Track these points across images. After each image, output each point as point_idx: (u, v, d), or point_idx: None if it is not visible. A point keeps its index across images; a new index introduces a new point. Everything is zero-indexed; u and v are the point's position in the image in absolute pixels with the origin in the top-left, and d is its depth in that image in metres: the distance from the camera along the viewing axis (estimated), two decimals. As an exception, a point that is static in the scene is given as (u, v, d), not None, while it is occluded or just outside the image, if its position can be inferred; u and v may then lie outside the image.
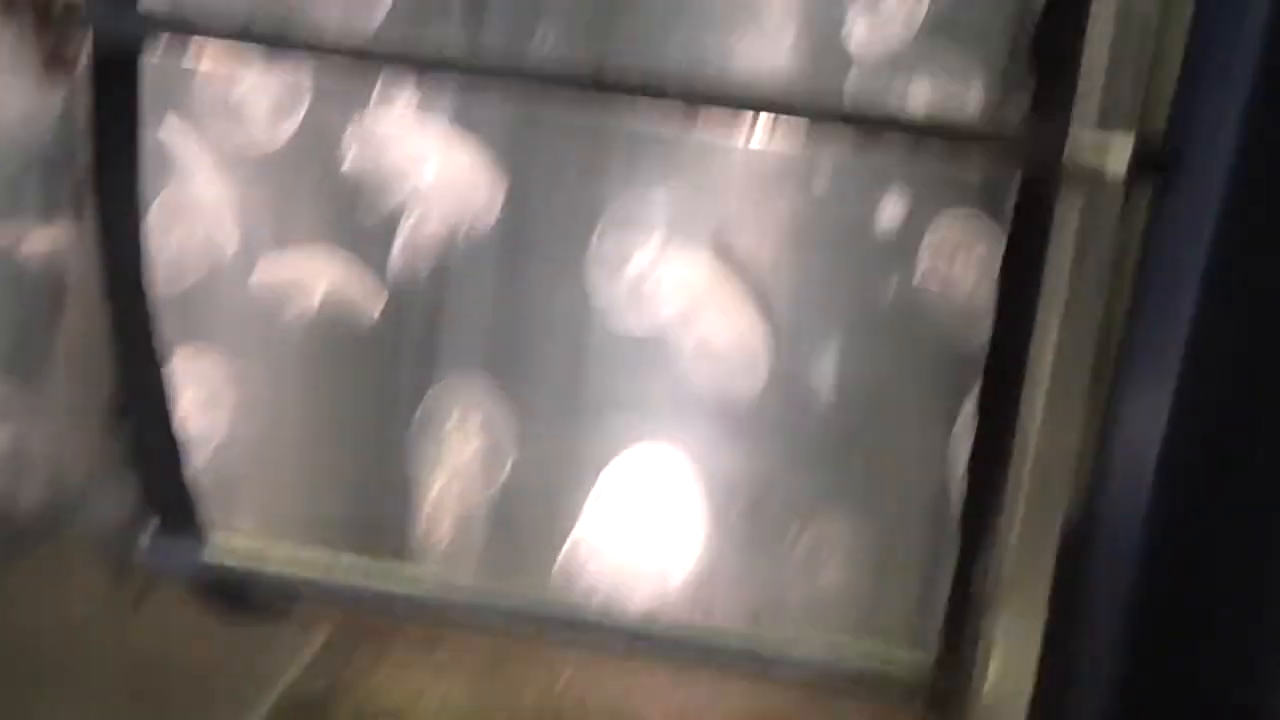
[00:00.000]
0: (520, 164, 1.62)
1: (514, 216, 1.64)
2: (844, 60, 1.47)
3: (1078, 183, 0.99)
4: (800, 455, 1.61)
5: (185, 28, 1.18)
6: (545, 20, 1.54)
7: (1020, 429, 1.14)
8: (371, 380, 1.73)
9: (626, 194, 1.59)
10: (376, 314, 1.68)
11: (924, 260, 1.51)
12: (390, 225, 1.66)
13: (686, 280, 1.59)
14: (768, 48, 1.51)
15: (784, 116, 1.11)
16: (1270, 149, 1.11)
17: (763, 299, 1.58)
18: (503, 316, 1.68)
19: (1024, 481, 1.14)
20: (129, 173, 1.28)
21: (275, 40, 1.16)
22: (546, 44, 1.52)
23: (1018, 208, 1.12)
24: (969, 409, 1.49)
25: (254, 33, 1.16)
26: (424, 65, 1.17)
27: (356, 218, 1.65)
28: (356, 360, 1.72)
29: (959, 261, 1.49)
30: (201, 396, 1.70)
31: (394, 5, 1.54)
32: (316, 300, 1.67)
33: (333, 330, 1.69)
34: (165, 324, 1.36)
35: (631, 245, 1.60)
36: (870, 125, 1.08)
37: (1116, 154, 0.98)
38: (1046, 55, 1.07)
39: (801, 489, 1.62)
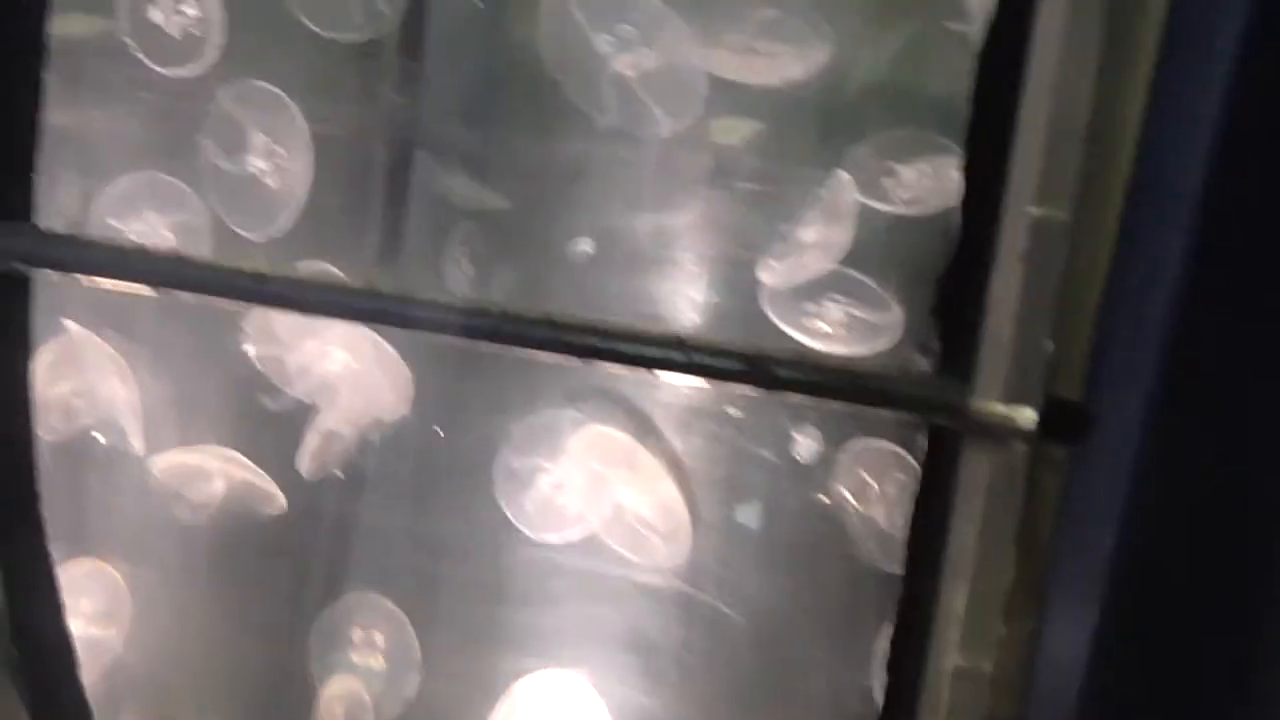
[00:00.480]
0: (428, 367, 1.60)
1: (422, 422, 1.62)
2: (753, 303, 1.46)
3: (982, 439, 0.98)
4: (715, 685, 1.58)
5: (71, 265, 1.15)
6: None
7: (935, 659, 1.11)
8: (273, 590, 1.69)
9: (537, 408, 1.57)
10: (278, 520, 1.65)
11: (840, 487, 1.49)
12: (295, 425, 1.62)
13: (596, 502, 1.56)
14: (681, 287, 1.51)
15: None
16: (1180, 412, 1.12)
17: (675, 524, 1.56)
18: (409, 529, 1.66)
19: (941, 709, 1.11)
20: (17, 391, 1.24)
21: (169, 280, 1.13)
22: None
23: (926, 456, 1.11)
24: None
25: (145, 273, 1.13)
26: (324, 302, 1.14)
27: (259, 417, 1.62)
28: (257, 570, 1.69)
29: (875, 488, 1.48)
30: (97, 605, 1.65)
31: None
32: (216, 502, 1.64)
33: (232, 536, 1.66)
34: (58, 529, 1.31)
35: (541, 461, 1.57)
36: (774, 379, 1.06)
37: (1021, 413, 0.96)
38: (949, 311, 1.06)
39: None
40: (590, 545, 1.58)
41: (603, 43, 1.45)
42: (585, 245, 1.54)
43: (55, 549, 1.30)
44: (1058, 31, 1.00)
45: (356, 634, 1.64)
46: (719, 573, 1.56)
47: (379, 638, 1.64)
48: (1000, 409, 0.96)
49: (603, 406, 1.54)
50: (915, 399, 1.05)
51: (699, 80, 1.44)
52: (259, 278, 1.13)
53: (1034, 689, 1.15)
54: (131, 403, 1.63)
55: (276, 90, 1.50)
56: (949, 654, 1.05)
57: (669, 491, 1.55)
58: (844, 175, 1.42)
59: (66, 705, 1.35)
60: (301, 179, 1.54)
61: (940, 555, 1.12)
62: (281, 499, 1.62)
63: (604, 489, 1.58)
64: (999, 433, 0.97)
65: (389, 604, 1.64)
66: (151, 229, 1.55)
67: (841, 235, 1.44)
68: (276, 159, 1.53)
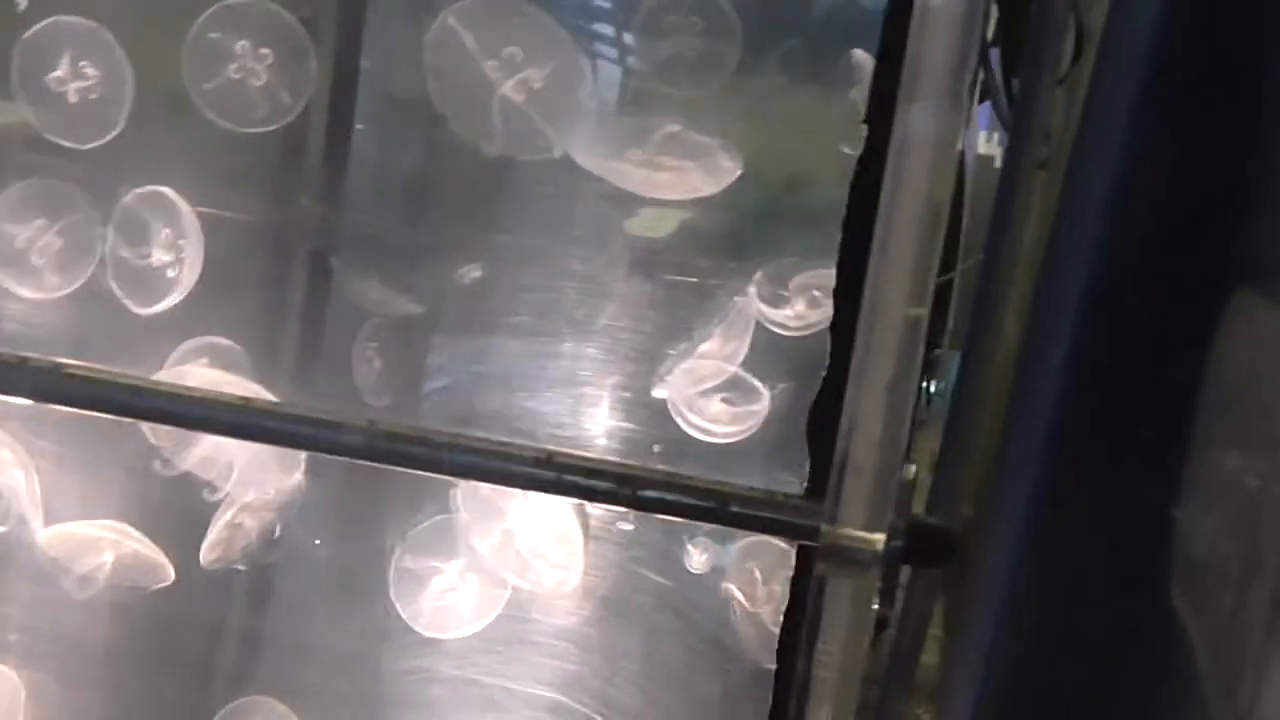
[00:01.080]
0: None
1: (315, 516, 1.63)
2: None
3: (840, 562, 1.00)
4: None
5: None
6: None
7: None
8: (171, 693, 1.68)
9: (429, 511, 1.58)
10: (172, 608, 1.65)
11: (730, 584, 1.50)
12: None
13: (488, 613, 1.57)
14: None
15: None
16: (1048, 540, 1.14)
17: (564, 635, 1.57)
18: (305, 633, 1.66)
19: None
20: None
21: (48, 394, 1.14)
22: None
23: (793, 574, 1.13)
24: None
25: (22, 386, 1.14)
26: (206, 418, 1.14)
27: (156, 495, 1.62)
28: (152, 670, 1.68)
29: (763, 588, 1.49)
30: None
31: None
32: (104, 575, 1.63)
33: (126, 624, 1.65)
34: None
35: (435, 563, 1.58)
36: (642, 500, 1.08)
37: (874, 538, 0.99)
38: (817, 435, 1.08)
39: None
40: (477, 648, 1.58)
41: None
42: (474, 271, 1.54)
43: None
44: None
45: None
46: (601, 684, 1.57)
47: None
48: (855, 534, 0.98)
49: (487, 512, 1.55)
50: (778, 523, 1.07)
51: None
52: (137, 391, 1.14)
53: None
54: (32, 490, 1.62)
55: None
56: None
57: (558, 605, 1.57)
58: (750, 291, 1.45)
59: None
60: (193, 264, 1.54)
61: (807, 671, 1.13)
62: (169, 570, 1.61)
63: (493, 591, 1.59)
64: (854, 556, 0.99)
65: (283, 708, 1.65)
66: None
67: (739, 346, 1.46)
68: (175, 250, 1.53)
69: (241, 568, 1.64)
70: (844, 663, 1.02)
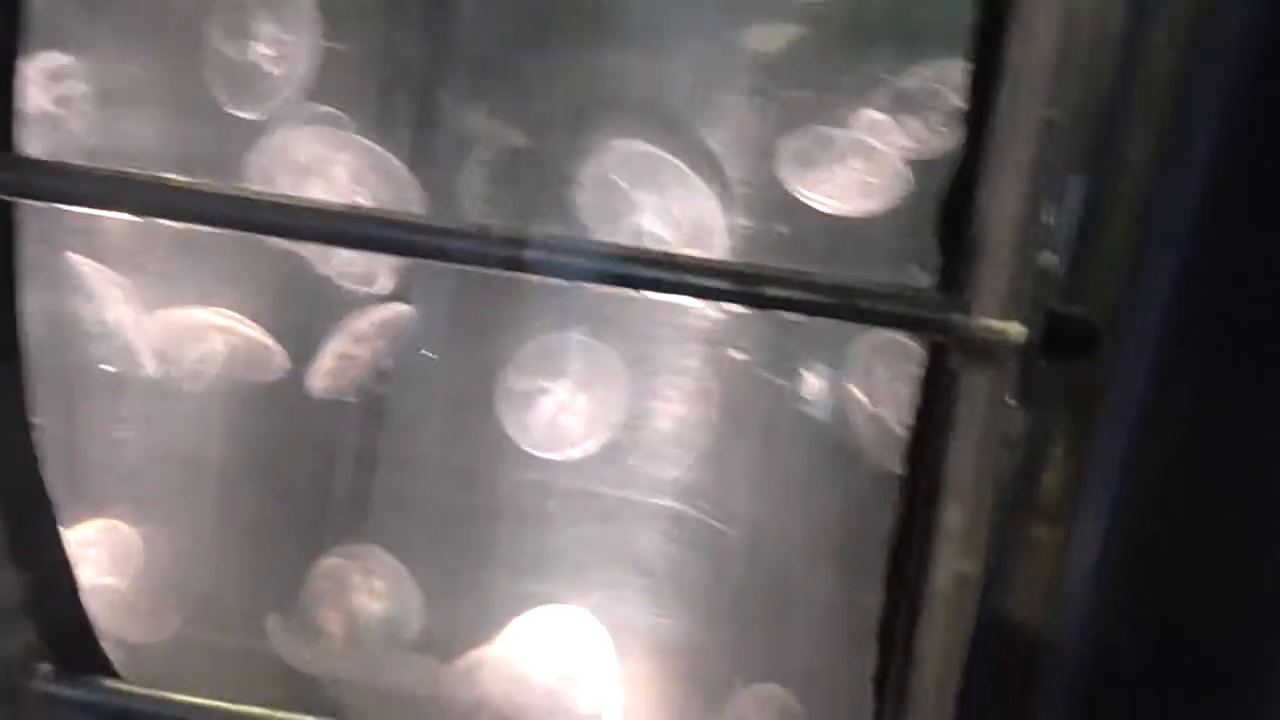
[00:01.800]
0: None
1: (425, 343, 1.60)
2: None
3: (975, 356, 0.95)
4: (724, 614, 1.57)
5: (55, 194, 1.13)
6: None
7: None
8: (280, 524, 1.68)
9: (540, 332, 1.55)
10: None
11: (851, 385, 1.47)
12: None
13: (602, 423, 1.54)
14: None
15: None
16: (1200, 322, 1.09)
17: (681, 440, 1.55)
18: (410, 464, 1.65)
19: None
20: (6, 321, 1.22)
21: (157, 208, 1.11)
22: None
23: (926, 370, 1.09)
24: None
25: (132, 201, 1.11)
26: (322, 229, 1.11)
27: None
28: (266, 500, 1.68)
29: (886, 385, 1.45)
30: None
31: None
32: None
33: (239, 465, 1.64)
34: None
35: (544, 382, 1.56)
36: (764, 298, 1.04)
37: (1012, 328, 0.94)
38: (950, 225, 1.03)
39: (728, 649, 1.58)
40: (594, 464, 1.56)
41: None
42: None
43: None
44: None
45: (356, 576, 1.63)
46: (722, 493, 1.55)
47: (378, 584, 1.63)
48: (992, 324, 0.93)
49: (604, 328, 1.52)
50: (907, 317, 1.03)
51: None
52: (248, 203, 1.11)
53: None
54: (140, 326, 1.61)
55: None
56: (944, 564, 1.03)
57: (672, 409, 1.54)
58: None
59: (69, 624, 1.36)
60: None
61: (940, 469, 1.10)
62: (285, 358, 1.59)
63: (606, 407, 1.56)
64: (990, 348, 0.94)
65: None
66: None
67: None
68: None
69: (352, 399, 1.63)
70: (978, 463, 0.98)
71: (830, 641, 1.57)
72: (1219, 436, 1.15)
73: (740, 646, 1.58)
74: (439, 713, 1.63)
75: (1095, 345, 1.03)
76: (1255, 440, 1.14)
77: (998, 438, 0.93)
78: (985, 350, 0.94)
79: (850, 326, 1.41)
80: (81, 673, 1.36)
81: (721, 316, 1.52)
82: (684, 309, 1.53)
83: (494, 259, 1.09)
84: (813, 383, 1.49)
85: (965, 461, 0.96)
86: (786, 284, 1.06)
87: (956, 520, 1.01)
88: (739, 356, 1.52)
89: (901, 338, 1.39)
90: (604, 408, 1.57)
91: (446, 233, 1.09)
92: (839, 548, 1.54)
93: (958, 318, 0.97)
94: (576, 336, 1.56)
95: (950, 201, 1.07)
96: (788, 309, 1.08)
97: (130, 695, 1.37)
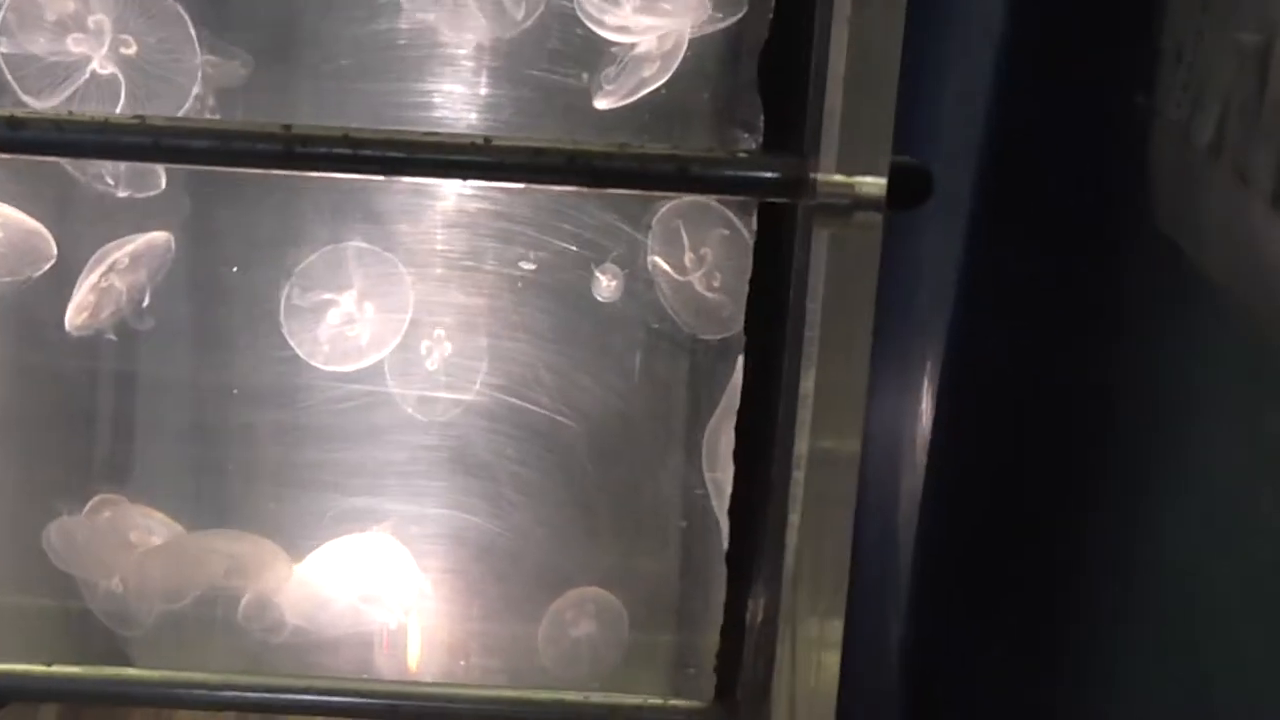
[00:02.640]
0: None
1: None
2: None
3: (829, 215, 0.93)
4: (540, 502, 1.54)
5: None
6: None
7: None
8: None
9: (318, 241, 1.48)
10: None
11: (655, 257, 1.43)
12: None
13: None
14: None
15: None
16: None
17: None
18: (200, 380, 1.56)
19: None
20: None
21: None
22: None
23: (757, 235, 1.07)
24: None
25: None
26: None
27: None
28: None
29: (690, 253, 1.42)
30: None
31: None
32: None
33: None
34: None
35: (329, 295, 1.49)
36: (595, 174, 0.99)
37: (870, 183, 0.92)
38: (773, 81, 1.01)
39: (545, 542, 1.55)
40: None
41: None
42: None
43: None
44: None
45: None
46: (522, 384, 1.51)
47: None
48: (847, 180, 0.91)
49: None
50: (755, 181, 1.00)
51: None
52: (12, 122, 1.01)
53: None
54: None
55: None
56: (803, 438, 1.01)
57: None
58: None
59: None
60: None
61: (780, 336, 1.08)
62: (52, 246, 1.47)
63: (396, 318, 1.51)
64: (847, 206, 0.92)
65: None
66: None
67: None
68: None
69: (112, 337, 1.53)
70: (846, 325, 0.95)
71: (654, 535, 1.56)
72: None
73: (557, 548, 1.56)
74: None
75: (930, 192, 1.02)
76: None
77: (865, 296, 0.90)
78: (843, 208, 0.91)
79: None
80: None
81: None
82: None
83: (302, 160, 1.02)
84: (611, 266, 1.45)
85: (832, 325, 0.93)
86: (618, 158, 1.02)
87: (810, 389, 0.98)
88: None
89: (701, 200, 1.35)
90: (391, 315, 1.51)
91: (253, 137, 1.01)
92: (667, 417, 1.52)
93: (813, 177, 0.94)
94: (355, 245, 1.49)
95: (768, 61, 1.04)
96: (621, 185, 1.04)
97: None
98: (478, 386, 1.52)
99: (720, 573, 1.47)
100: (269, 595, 1.55)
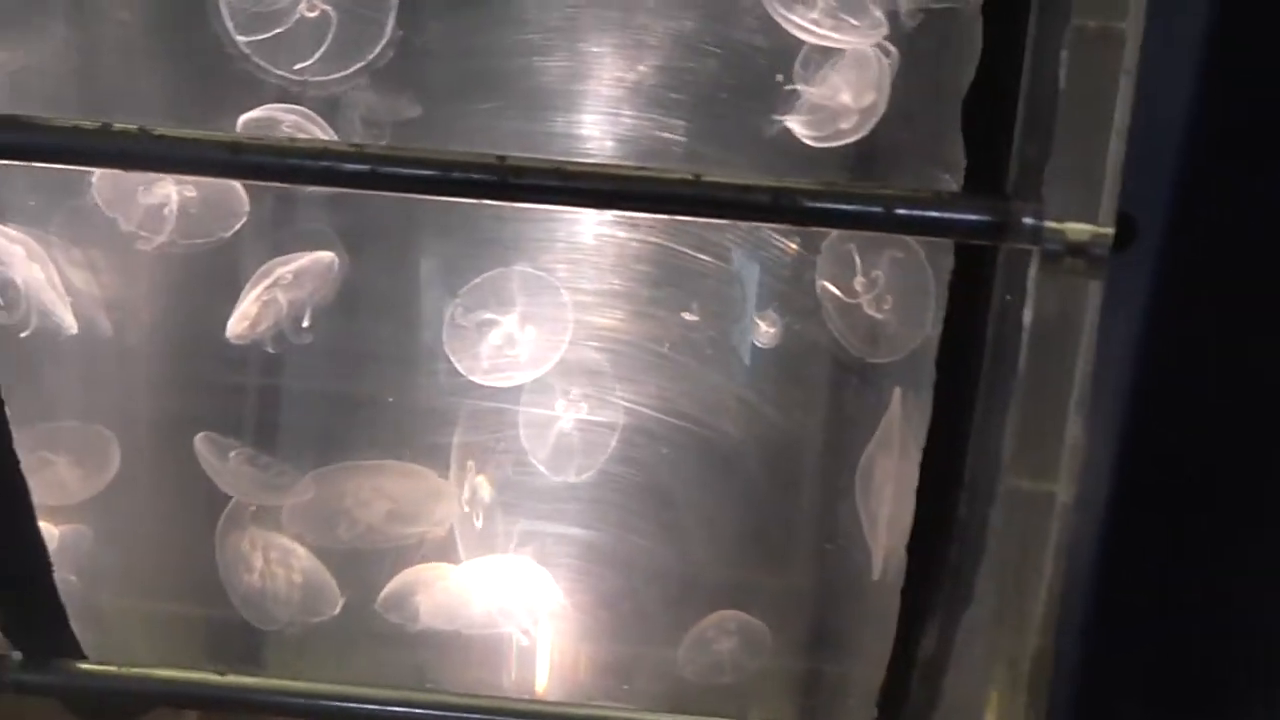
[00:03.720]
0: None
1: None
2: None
3: (1052, 261, 0.94)
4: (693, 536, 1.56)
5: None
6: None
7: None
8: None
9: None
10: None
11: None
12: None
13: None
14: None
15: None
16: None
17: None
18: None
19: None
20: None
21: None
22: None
23: (956, 276, 1.08)
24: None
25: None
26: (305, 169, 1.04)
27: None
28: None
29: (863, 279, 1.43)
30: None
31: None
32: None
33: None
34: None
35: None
36: (802, 211, 1.01)
37: (1097, 231, 0.92)
38: (976, 131, 1.02)
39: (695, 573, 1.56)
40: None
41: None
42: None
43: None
44: None
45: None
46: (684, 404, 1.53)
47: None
48: (1078, 227, 0.91)
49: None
50: (962, 224, 1.01)
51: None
52: (235, 147, 1.04)
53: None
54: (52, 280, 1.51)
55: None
56: (1006, 479, 1.02)
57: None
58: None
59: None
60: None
61: (974, 373, 1.09)
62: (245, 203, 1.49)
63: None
64: (1064, 251, 0.93)
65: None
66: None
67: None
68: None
69: (271, 349, 1.56)
70: (1054, 371, 0.96)
71: (801, 563, 1.57)
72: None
73: (708, 570, 1.57)
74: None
75: (1133, 238, 1.03)
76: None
77: (1080, 340, 0.91)
78: (1060, 253, 0.92)
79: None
80: (51, 657, 1.30)
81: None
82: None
83: (513, 191, 1.04)
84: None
85: (1041, 367, 0.94)
86: (824, 196, 1.03)
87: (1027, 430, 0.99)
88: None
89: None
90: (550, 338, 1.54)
91: (463, 166, 1.03)
92: (807, 456, 1.53)
93: (1027, 221, 0.95)
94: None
95: (974, 101, 1.05)
96: (827, 224, 1.06)
97: (106, 676, 1.31)
98: (631, 407, 1.54)
99: (868, 604, 1.49)
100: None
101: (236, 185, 1.45)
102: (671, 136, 1.44)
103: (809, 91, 1.35)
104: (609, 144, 1.45)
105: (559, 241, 1.52)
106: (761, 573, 1.59)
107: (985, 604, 1.15)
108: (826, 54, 1.36)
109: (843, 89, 1.33)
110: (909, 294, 1.39)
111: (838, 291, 1.41)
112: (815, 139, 1.36)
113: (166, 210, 1.44)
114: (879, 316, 1.40)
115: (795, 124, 1.38)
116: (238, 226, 1.48)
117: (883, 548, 1.47)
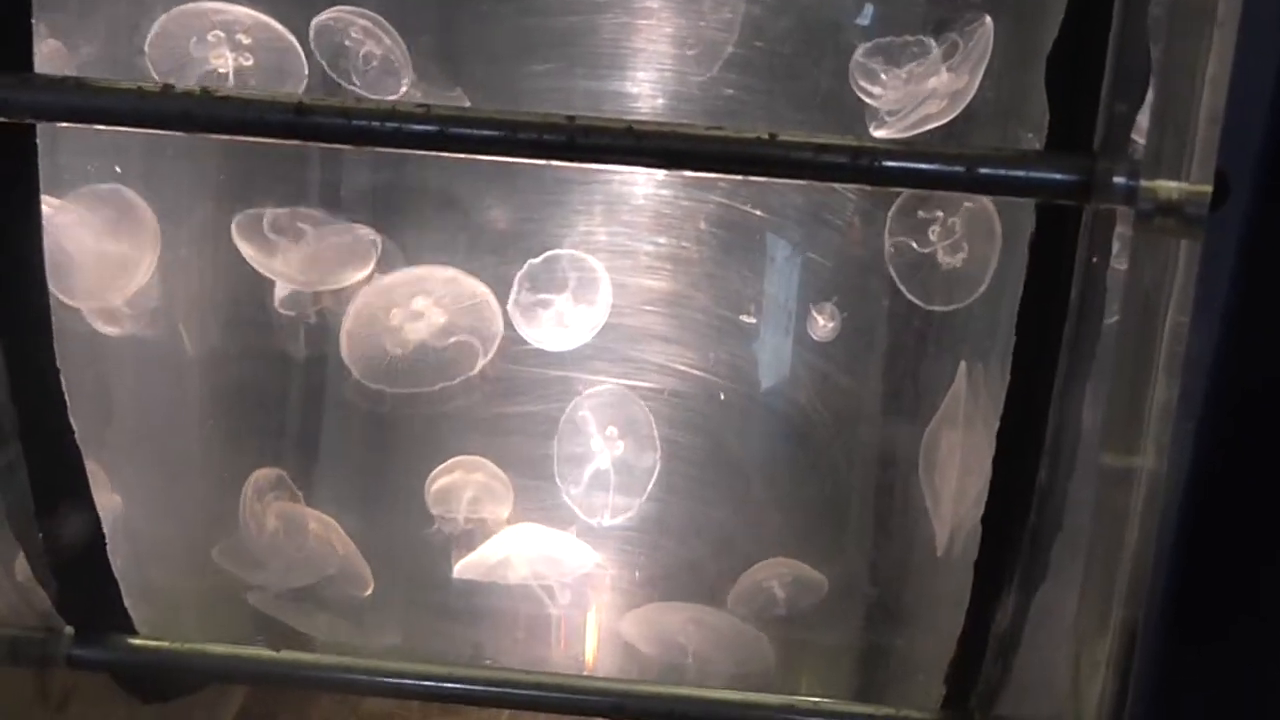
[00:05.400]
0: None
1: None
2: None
3: (1145, 223, 0.92)
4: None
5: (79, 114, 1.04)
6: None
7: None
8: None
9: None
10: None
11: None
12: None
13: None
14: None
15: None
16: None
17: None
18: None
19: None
20: (29, 245, 1.13)
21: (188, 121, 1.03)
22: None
23: (1038, 237, 1.07)
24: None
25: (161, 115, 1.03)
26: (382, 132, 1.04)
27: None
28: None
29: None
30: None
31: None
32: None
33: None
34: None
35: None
36: (888, 172, 1.00)
37: (1195, 190, 0.90)
38: (1061, 88, 1.00)
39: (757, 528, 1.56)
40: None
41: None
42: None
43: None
44: None
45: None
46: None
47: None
48: (1170, 185, 0.90)
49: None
50: (1046, 183, 1.00)
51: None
52: (300, 109, 1.03)
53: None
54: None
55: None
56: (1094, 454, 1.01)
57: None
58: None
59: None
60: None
61: (1056, 340, 1.08)
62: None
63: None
64: (1160, 211, 0.91)
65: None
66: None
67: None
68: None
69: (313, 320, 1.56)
70: (1146, 341, 0.94)
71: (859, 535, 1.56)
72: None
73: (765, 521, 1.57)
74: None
75: (1227, 197, 1.01)
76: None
77: (1166, 306, 0.89)
78: (1155, 212, 0.90)
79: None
80: (103, 632, 1.30)
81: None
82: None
83: (583, 151, 1.03)
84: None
85: (1126, 334, 0.92)
86: (904, 155, 1.02)
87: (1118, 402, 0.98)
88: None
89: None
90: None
91: (533, 127, 1.02)
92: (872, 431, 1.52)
93: (1117, 180, 0.94)
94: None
95: (1058, 60, 1.04)
96: (907, 184, 1.05)
97: (158, 652, 1.31)
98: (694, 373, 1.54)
99: (935, 579, 1.48)
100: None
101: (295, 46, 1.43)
102: (740, 96, 1.43)
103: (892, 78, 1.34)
104: (673, 104, 1.44)
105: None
106: (824, 546, 1.59)
107: (1062, 579, 1.14)
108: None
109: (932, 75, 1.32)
110: (978, 238, 1.39)
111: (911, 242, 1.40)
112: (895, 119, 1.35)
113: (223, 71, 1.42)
114: (952, 265, 1.39)
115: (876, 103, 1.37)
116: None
117: (948, 523, 1.46)
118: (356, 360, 1.50)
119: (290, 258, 1.48)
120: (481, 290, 1.50)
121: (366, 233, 1.50)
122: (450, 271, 1.50)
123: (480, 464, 1.58)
